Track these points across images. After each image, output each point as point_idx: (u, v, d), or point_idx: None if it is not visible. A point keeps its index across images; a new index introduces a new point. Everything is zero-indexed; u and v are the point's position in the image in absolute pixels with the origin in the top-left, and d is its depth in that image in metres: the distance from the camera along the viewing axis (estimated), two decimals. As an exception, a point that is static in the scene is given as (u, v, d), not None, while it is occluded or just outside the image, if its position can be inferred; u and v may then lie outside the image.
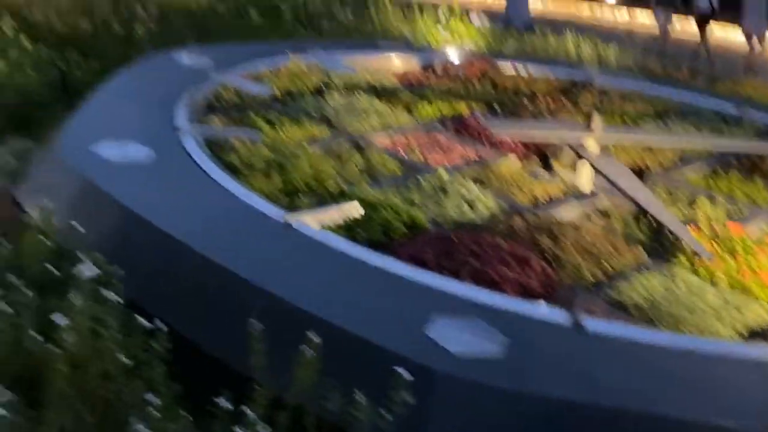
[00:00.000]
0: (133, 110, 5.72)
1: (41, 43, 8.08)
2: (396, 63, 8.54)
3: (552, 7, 20.54)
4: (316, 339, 2.84)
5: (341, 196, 4.72)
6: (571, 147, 5.96)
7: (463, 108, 6.98)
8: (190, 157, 4.91)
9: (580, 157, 5.83)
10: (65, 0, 9.57)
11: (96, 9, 9.46)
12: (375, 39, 10.56)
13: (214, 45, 8.43)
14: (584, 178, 5.72)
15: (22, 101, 6.70)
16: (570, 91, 7.94)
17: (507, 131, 6.18)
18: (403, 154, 5.75)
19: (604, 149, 5.94)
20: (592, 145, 5.86)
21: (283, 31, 10.98)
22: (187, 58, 7.56)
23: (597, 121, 5.91)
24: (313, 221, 4.20)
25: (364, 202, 4.54)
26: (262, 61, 7.76)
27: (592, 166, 5.69)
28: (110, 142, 4.90)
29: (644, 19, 17.90)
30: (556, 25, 13.40)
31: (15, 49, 7.71)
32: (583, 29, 13.01)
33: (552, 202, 5.15)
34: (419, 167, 5.46)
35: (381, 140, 5.97)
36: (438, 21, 12.52)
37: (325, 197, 4.74)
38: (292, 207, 4.45)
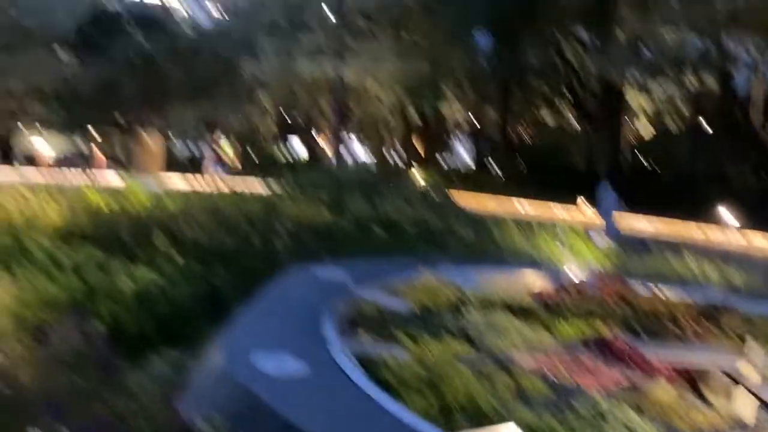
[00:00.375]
0: (284, 323, 5.92)
1: (189, 257, 8.59)
2: (527, 280, 8.60)
3: (663, 229, 20.52)
4: None
5: (498, 418, 4.59)
6: (726, 373, 5.70)
7: (602, 328, 6.86)
8: (343, 372, 4.97)
9: (737, 384, 5.55)
10: (210, 218, 10.26)
11: (237, 225, 10.07)
12: (500, 256, 10.72)
13: (347, 259, 8.76)
14: (745, 407, 5.40)
15: (173, 313, 7.01)
16: (710, 313, 7.71)
17: (658, 355, 5.99)
18: (550, 375, 5.62)
19: (763, 377, 5.65)
20: (749, 371, 5.59)
21: (406, 246, 11.26)
22: (325, 272, 7.87)
23: (752, 346, 5.68)
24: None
25: (522, 426, 4.39)
26: (395, 275, 7.97)
27: (754, 394, 5.39)
28: (266, 354, 5.03)
29: (760, 241, 17.58)
30: (671, 246, 13.29)
31: (166, 263, 8.21)
32: (698, 250, 12.85)
33: (719, 433, 4.86)
34: (570, 390, 5.30)
35: (525, 360, 5.87)
36: (558, 239, 12.67)
37: (480, 419, 4.62)
38: (450, 428, 4.35)
